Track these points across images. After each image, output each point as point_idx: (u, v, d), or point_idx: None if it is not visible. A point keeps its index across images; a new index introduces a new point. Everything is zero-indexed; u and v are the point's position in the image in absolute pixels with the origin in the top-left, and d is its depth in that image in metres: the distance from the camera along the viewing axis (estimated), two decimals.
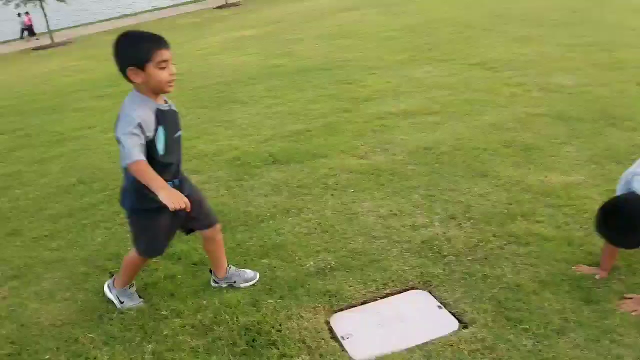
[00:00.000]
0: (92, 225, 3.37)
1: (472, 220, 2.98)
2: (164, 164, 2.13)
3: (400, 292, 2.46)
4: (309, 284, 2.49)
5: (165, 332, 2.30)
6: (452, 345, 2.08)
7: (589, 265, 2.48)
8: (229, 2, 13.86)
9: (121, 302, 2.49)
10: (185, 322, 2.35)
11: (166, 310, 2.44)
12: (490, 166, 3.67)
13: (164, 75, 2.03)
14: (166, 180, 2.03)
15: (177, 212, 1.94)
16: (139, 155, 1.95)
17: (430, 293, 2.42)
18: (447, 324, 2.22)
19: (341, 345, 2.16)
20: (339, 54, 7.80)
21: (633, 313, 2.15)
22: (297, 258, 2.77)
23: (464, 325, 2.20)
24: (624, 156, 3.61)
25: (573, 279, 2.39)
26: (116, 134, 1.99)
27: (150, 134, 2.03)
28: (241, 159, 4.32)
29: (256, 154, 4.40)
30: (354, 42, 8.56)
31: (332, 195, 3.46)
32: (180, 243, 3.02)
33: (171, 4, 14.22)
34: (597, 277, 2.38)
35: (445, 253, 2.69)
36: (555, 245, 2.67)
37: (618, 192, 2.34)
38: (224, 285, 2.59)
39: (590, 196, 3.12)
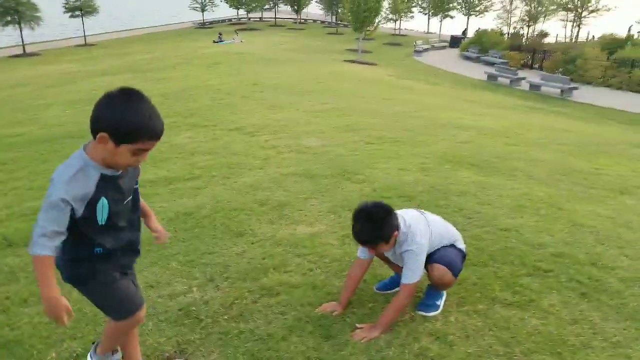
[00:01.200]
0: None
1: (229, 280, 3.08)
2: (108, 230, 1.76)
3: None
4: None
5: None
6: None
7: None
8: None
9: None
10: None
11: None
12: (247, 225, 3.88)
13: (131, 161, 1.69)
14: (120, 248, 1.79)
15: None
16: (44, 249, 1.63)
17: None
18: None
19: None
20: None
21: (362, 341, 2.49)
22: (35, 352, 2.42)
23: None
24: (357, 205, 4.27)
25: (316, 319, 2.66)
26: (47, 197, 1.64)
27: (80, 210, 1.65)
28: None
29: None
30: None
31: None
32: None
33: None
34: (334, 313, 2.70)
35: (202, 317, 2.70)
36: (302, 291, 2.94)
37: None
38: None
39: (330, 242, 3.57)
